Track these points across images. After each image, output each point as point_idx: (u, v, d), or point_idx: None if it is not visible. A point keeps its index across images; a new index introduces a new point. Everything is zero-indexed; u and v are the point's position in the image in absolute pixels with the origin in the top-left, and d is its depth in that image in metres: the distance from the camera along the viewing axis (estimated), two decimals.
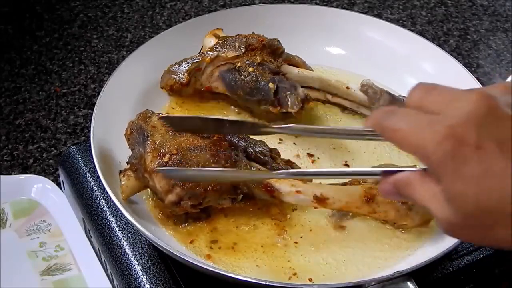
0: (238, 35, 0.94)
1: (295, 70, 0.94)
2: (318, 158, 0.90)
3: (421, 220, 0.78)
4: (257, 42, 0.93)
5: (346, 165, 0.88)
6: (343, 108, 0.96)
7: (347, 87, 0.93)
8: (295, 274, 0.76)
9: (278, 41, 0.95)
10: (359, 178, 0.80)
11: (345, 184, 0.79)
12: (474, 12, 1.51)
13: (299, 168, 0.83)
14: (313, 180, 0.78)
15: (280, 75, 0.91)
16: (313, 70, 0.98)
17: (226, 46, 0.93)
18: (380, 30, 1.04)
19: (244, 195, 0.77)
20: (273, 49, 0.94)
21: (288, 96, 0.88)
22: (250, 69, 0.90)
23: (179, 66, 0.93)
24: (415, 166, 0.78)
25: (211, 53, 0.93)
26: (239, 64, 0.91)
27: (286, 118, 0.91)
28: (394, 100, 0.90)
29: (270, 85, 0.89)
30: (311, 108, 0.93)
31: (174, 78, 0.92)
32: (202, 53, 0.94)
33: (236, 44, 0.92)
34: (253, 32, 0.95)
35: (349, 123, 0.95)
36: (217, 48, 0.93)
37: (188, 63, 0.92)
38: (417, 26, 1.45)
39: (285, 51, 0.96)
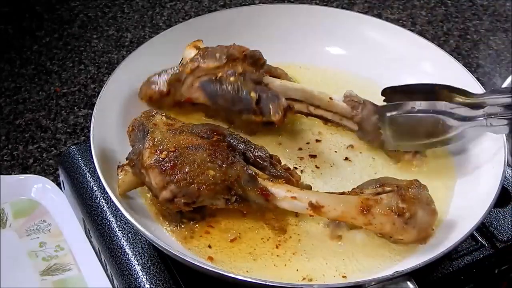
0: (219, 46, 0.92)
1: (277, 81, 0.93)
2: (316, 161, 0.90)
3: (418, 235, 0.76)
4: (238, 52, 0.91)
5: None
6: (326, 121, 0.94)
7: (330, 98, 0.92)
8: (295, 273, 0.76)
9: (260, 52, 0.93)
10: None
11: (342, 193, 0.79)
12: (474, 12, 1.51)
13: (299, 176, 0.83)
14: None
15: (262, 85, 0.90)
16: (295, 82, 0.97)
17: (206, 57, 0.91)
18: (380, 30, 1.04)
19: (238, 197, 0.77)
20: (255, 60, 0.92)
21: (270, 105, 0.87)
22: (232, 79, 0.88)
23: (159, 77, 0.91)
24: (416, 180, 0.78)
25: (191, 63, 0.91)
26: (220, 74, 0.89)
27: (268, 129, 0.91)
28: (377, 110, 0.90)
29: (252, 94, 0.87)
30: (293, 121, 0.93)
31: (154, 88, 0.91)
32: (182, 64, 0.93)
33: (217, 55, 0.90)
34: (234, 43, 0.93)
35: (331, 136, 0.93)
36: (198, 59, 0.91)
37: (168, 73, 0.91)
38: (417, 26, 1.45)
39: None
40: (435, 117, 0.86)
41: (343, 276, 0.76)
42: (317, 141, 0.92)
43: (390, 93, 0.92)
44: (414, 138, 0.87)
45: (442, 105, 0.86)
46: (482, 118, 0.83)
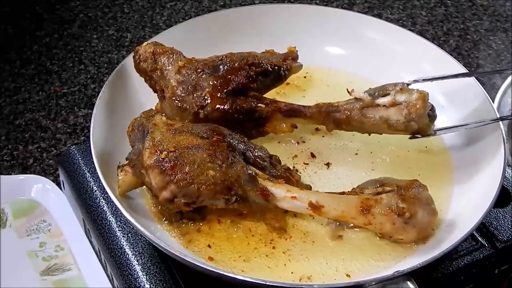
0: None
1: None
2: (316, 161, 0.90)
3: (418, 235, 0.77)
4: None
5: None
6: None
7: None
8: (295, 273, 0.76)
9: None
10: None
11: (342, 193, 0.79)
12: (474, 12, 1.51)
13: (299, 176, 0.83)
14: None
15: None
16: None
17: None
18: (380, 30, 1.04)
19: (238, 197, 0.77)
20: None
21: None
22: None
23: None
24: (416, 180, 0.78)
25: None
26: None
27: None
28: None
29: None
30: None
31: None
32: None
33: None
34: None
35: (331, 136, 0.92)
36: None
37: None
38: (417, 26, 1.45)
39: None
40: None
41: (344, 276, 0.75)
42: (317, 141, 0.92)
43: None
44: None
45: None
46: None
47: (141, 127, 0.80)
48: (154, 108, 0.90)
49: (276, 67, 0.90)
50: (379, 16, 1.45)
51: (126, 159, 0.81)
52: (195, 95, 0.85)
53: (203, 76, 0.86)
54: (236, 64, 0.87)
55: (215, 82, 0.85)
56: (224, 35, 1.01)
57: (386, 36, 1.04)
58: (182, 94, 0.85)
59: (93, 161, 0.80)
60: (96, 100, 0.88)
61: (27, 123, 1.17)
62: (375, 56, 1.03)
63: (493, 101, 0.93)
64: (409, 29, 1.13)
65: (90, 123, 0.84)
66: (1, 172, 1.07)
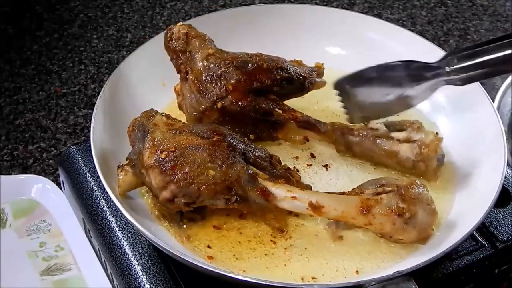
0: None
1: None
2: (316, 161, 0.90)
3: (419, 235, 0.77)
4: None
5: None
6: None
7: None
8: (294, 273, 0.76)
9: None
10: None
11: (342, 193, 0.79)
12: (474, 12, 1.51)
13: (299, 176, 0.83)
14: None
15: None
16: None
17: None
18: (380, 30, 1.04)
19: (238, 197, 0.77)
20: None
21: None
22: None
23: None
24: (416, 180, 0.78)
25: None
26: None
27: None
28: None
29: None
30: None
31: None
32: None
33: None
34: None
35: None
36: None
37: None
38: (417, 26, 1.45)
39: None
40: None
41: (344, 276, 0.76)
42: (317, 141, 0.92)
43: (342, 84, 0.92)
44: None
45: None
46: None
47: (141, 127, 0.80)
48: (154, 108, 0.89)
49: (302, 78, 0.90)
50: (379, 16, 1.45)
51: (126, 159, 0.81)
52: (218, 84, 0.86)
53: (230, 69, 0.87)
54: (264, 65, 0.88)
55: (240, 77, 0.86)
56: (224, 35, 1.01)
57: (386, 36, 1.04)
58: (205, 81, 0.87)
59: (93, 161, 0.80)
60: (96, 100, 0.88)
61: (27, 123, 1.17)
62: (375, 56, 1.03)
63: (493, 101, 0.93)
64: (409, 29, 1.13)
65: (90, 123, 0.84)
66: (1, 172, 1.07)
